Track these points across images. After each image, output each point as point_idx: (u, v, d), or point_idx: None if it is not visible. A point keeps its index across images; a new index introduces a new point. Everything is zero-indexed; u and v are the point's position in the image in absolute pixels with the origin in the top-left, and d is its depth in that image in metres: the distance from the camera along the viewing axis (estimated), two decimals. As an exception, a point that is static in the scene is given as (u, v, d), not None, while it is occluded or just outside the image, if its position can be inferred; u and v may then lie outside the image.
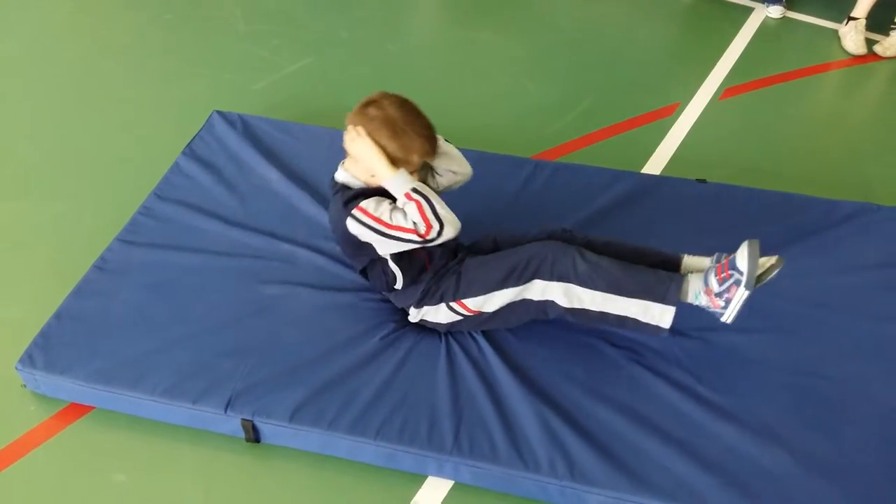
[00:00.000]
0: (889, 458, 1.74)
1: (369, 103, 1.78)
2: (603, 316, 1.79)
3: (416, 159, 1.77)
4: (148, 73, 3.03)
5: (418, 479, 1.78)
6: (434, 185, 1.92)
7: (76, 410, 1.88)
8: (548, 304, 1.81)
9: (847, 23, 3.25)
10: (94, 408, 1.88)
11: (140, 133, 2.72)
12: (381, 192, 1.80)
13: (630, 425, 1.77)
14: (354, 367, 1.88)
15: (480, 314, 1.88)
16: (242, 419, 1.78)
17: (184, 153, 2.45)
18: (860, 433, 1.78)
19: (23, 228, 2.35)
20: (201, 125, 2.56)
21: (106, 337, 1.92)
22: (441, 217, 1.72)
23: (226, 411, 1.78)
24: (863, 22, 3.21)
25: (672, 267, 1.86)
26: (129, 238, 2.18)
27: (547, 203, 2.36)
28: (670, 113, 2.90)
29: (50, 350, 1.88)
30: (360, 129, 1.76)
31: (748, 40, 3.30)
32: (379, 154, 1.75)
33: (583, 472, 1.68)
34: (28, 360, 1.86)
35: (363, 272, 1.93)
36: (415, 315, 1.94)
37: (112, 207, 2.35)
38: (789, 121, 2.90)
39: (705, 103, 2.95)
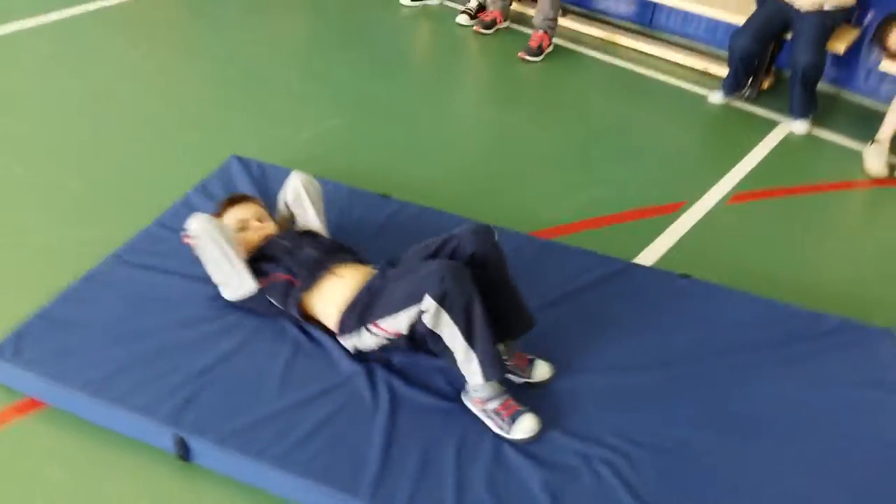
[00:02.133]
0: None
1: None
2: (437, 339, 1.87)
3: (224, 218, 2.28)
4: (202, 121, 3.25)
5: (335, 523, 1.79)
6: (296, 209, 2.35)
7: (31, 405, 1.98)
8: (422, 314, 1.85)
9: (871, 144, 3.23)
10: (46, 405, 1.98)
11: (181, 173, 2.82)
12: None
13: None
14: (301, 402, 1.93)
15: (400, 336, 1.93)
16: (175, 434, 1.84)
17: (195, 189, 2.62)
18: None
19: (48, 240, 2.56)
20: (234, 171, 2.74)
21: (74, 341, 2.04)
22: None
23: (162, 425, 1.85)
24: (886, 145, 3.19)
25: (512, 330, 2.01)
26: (124, 256, 2.32)
27: (525, 275, 2.38)
28: (674, 210, 2.92)
29: (22, 344, 2.01)
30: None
31: (769, 151, 3.31)
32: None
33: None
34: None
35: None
36: (349, 345, 2.02)
37: (128, 229, 2.49)
38: (796, 232, 2.87)
39: (712, 205, 2.96)
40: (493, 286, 1.97)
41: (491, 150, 3.25)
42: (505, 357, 1.98)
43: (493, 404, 1.89)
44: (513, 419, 1.88)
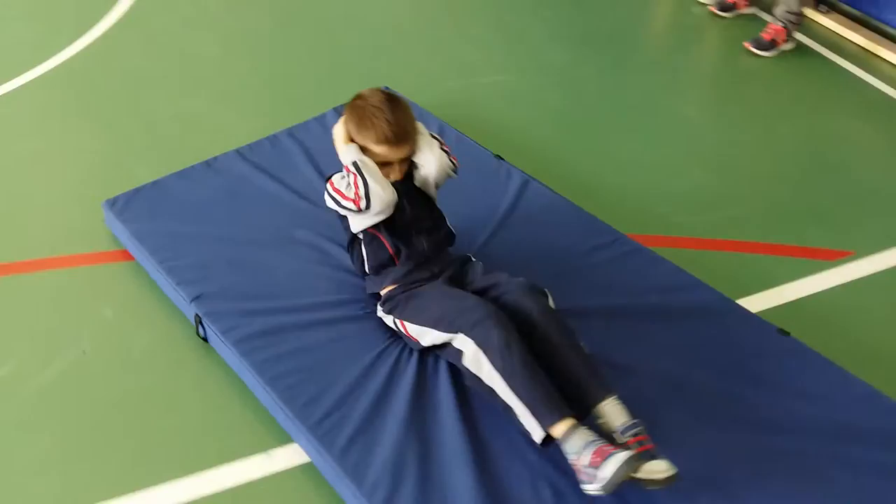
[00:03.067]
0: None
1: (365, 94, 1.96)
2: (492, 394, 1.71)
3: (374, 146, 1.89)
4: (372, 48, 3.43)
5: (289, 440, 1.86)
6: (418, 177, 1.99)
7: (124, 255, 2.33)
8: (460, 355, 1.77)
9: None
10: (133, 259, 2.31)
11: (332, 90, 3.01)
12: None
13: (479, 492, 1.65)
14: (306, 323, 2.01)
15: (418, 342, 1.90)
16: (196, 313, 2.05)
17: (334, 109, 2.78)
18: None
19: (200, 119, 2.94)
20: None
21: (168, 211, 2.34)
22: (370, 192, 1.85)
23: (190, 301, 2.06)
24: None
25: (582, 402, 1.69)
26: (244, 153, 2.57)
27: (594, 277, 2.20)
28: (833, 258, 2.43)
29: (129, 203, 2.36)
30: (345, 112, 1.98)
31: None
32: (341, 130, 1.95)
33: (393, 509, 1.62)
34: (111, 203, 2.35)
35: (349, 249, 2.05)
36: (380, 311, 2.01)
37: (267, 125, 2.75)
38: None
39: (889, 265, 2.41)
40: (547, 352, 1.74)
41: (652, 140, 2.97)
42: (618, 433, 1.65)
43: (586, 457, 1.57)
44: (602, 464, 1.54)
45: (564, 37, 3.58)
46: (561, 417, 1.62)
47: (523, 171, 2.55)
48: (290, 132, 2.68)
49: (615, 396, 1.70)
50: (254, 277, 2.14)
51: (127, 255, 2.33)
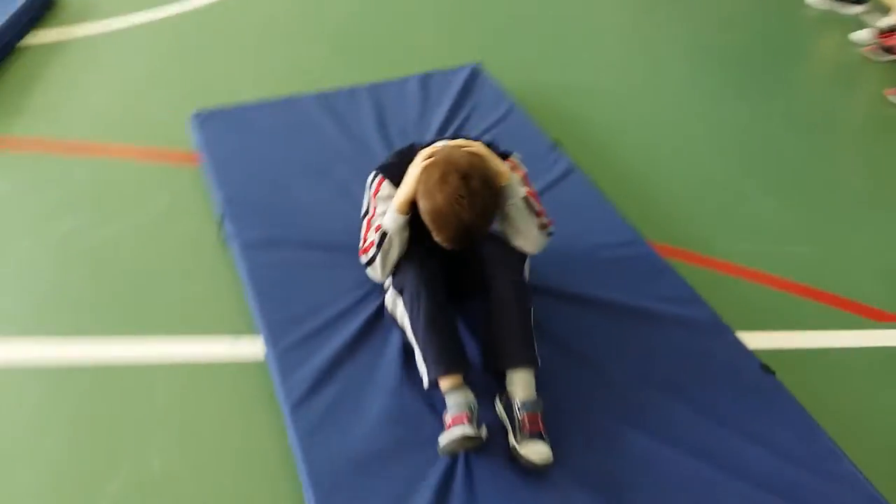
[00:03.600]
0: None
1: (449, 174, 1.62)
2: (404, 333, 1.83)
3: (436, 238, 1.71)
4: (493, 28, 3.52)
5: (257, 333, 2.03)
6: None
7: (195, 158, 2.65)
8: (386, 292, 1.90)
9: None
10: (199, 163, 2.63)
11: (439, 53, 3.24)
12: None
13: (383, 432, 1.73)
14: (309, 243, 2.19)
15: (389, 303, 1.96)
16: (221, 212, 2.30)
17: (417, 76, 2.93)
18: None
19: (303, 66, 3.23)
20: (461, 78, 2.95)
21: (237, 131, 2.63)
22: (373, 265, 1.83)
23: (221, 201, 2.33)
24: None
25: (501, 361, 1.74)
26: (322, 97, 2.81)
27: (596, 269, 2.17)
28: (877, 318, 2.19)
29: (212, 118, 2.68)
30: (423, 171, 1.69)
31: None
32: (407, 191, 1.73)
33: (301, 416, 1.74)
34: (197, 116, 2.69)
35: None
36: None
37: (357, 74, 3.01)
38: None
39: (941, 340, 2.13)
40: (496, 305, 1.77)
41: (744, 166, 2.83)
42: (524, 409, 1.66)
43: (447, 417, 1.66)
44: (448, 430, 1.63)
45: (694, 56, 3.48)
46: (446, 373, 1.69)
47: (571, 160, 2.55)
48: (370, 88, 2.88)
49: (532, 369, 1.71)
50: (284, 197, 2.36)
51: (197, 159, 2.65)
